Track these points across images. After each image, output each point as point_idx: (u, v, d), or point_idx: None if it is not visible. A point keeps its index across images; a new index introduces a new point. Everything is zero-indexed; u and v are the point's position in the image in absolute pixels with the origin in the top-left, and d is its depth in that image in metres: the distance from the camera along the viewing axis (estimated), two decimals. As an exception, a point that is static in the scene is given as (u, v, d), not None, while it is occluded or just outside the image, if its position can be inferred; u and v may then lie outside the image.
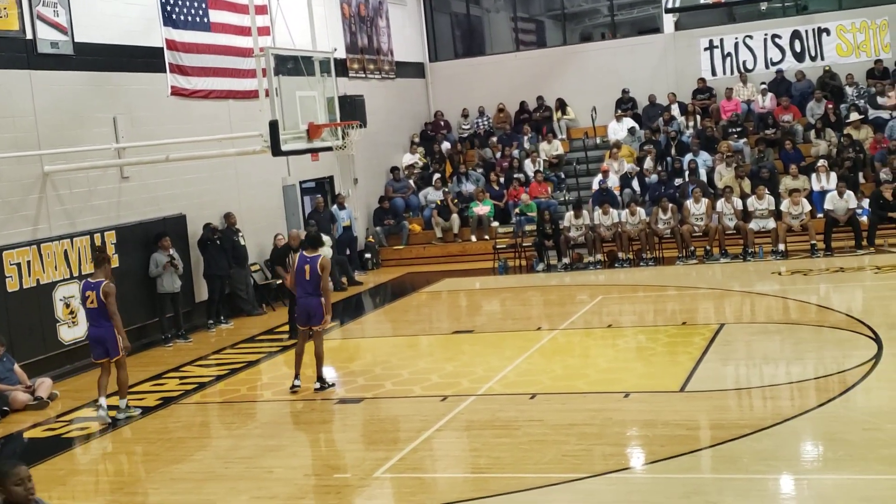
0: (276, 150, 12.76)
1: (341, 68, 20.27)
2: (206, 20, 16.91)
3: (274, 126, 12.58)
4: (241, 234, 16.84)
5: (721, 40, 23.20)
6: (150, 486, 8.76)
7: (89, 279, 11.03)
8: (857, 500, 6.91)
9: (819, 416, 8.78)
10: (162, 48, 15.96)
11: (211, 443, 9.90)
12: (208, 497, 8.27)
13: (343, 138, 14.00)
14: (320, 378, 11.23)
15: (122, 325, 10.84)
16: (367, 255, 21.18)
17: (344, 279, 19.03)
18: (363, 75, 22.14)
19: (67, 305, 13.68)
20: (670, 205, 18.69)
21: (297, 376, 11.34)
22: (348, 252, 20.15)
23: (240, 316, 16.56)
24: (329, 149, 14.23)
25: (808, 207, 17.94)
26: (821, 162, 19.20)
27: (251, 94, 16.22)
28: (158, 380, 12.77)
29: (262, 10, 16.57)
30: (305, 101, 13.36)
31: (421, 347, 13.81)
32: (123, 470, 9.62)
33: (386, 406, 10.70)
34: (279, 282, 17.69)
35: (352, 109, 14.40)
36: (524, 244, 19.63)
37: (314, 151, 15.77)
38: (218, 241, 15.93)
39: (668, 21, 23.53)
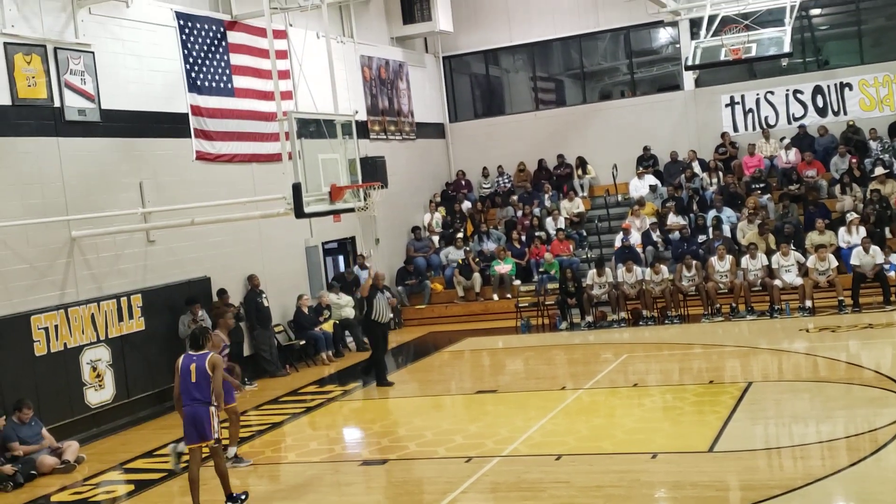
0: (299, 212, 12.86)
1: (362, 130, 20.50)
2: (230, 86, 17.20)
3: (297, 189, 12.70)
4: (264, 295, 16.91)
5: (742, 96, 23.29)
6: (173, 551, 8.68)
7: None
8: (894, 563, 6.75)
9: (851, 475, 8.62)
10: (187, 114, 16.22)
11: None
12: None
13: (365, 199, 14.09)
14: (230, 497, 9.47)
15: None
16: (390, 315, 21.13)
17: (366, 339, 19.00)
18: (384, 136, 22.37)
19: (94, 369, 13.74)
20: (694, 262, 18.62)
21: None
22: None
23: (263, 377, 16.54)
24: (351, 210, 14.31)
25: (834, 263, 17.81)
26: (852, 216, 19.05)
27: (274, 158, 16.41)
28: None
29: (284, 74, 16.85)
30: (327, 164, 13.49)
31: (444, 407, 13.72)
32: (147, 535, 9.56)
33: (410, 467, 10.61)
34: (302, 342, 17.74)
35: (373, 170, 14.55)
36: (547, 302, 19.56)
37: (336, 213, 15.86)
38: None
39: (689, 78, 23.67)
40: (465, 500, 9.17)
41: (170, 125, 15.85)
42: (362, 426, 13.15)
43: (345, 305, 18.83)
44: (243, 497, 9.52)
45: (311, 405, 14.37)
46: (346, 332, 18.83)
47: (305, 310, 17.94)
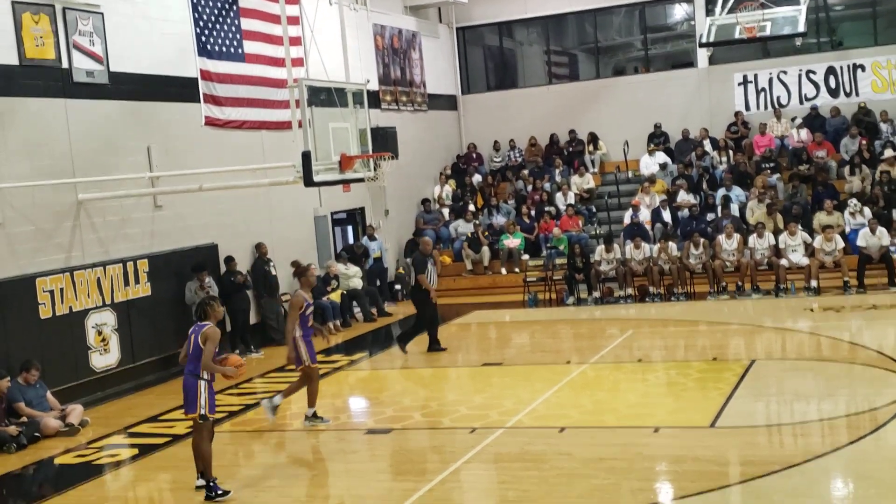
0: (308, 180, 12.87)
1: (374, 100, 20.47)
2: (240, 51, 17.16)
3: (307, 157, 12.70)
4: (272, 263, 16.96)
5: (755, 75, 23.17)
6: (178, 513, 8.79)
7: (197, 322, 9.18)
8: (890, 540, 6.81)
9: (850, 453, 8.67)
10: (196, 78, 16.20)
11: (240, 472, 9.92)
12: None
13: (375, 170, 14.09)
14: (206, 479, 8.96)
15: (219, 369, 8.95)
16: (398, 287, 21.24)
17: (374, 310, 19.10)
18: (395, 107, 22.33)
19: (99, 333, 13.83)
20: (702, 240, 18.61)
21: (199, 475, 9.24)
22: (378, 283, 20.24)
23: (270, 345, 16.62)
24: (361, 180, 14.32)
25: (841, 244, 17.78)
26: (853, 205, 18.92)
27: (284, 125, 16.40)
28: (188, 407, 12.81)
29: (296, 41, 16.80)
30: (338, 133, 13.48)
31: (450, 379, 13.79)
32: (153, 497, 9.68)
33: (415, 437, 10.69)
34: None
35: (384, 141, 14.50)
36: (554, 277, 19.60)
37: (346, 182, 15.89)
38: (233, 280, 15.91)
39: (703, 55, 23.54)
40: (469, 470, 9.25)
41: (179, 89, 15.84)
42: (368, 395, 13.23)
43: (353, 276, 18.89)
44: (220, 493, 8.83)
45: (325, 371, 14.43)
46: (354, 303, 18.89)
47: (313, 279, 17.94)
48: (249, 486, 9.24)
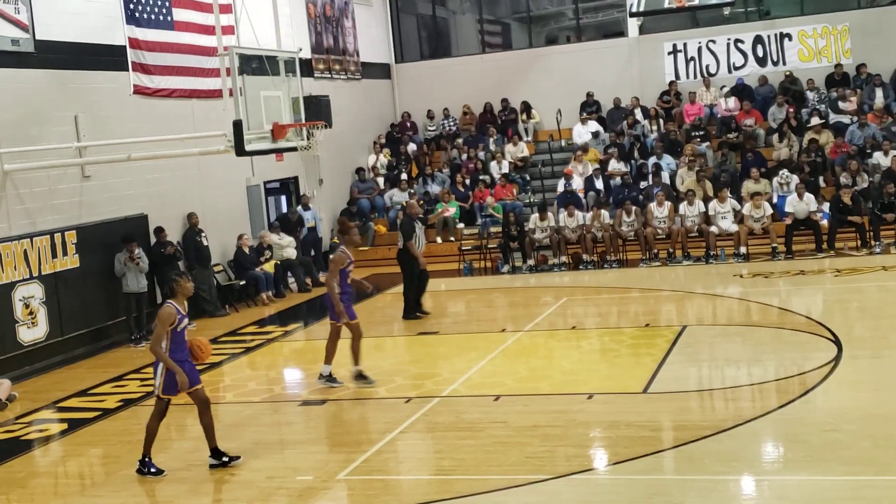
0: (239, 150, 12.67)
1: (306, 68, 20.19)
2: (169, 18, 16.75)
3: (238, 126, 12.49)
4: (203, 234, 16.70)
5: (685, 45, 23.40)
6: (110, 488, 8.65)
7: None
8: (817, 500, 6.99)
9: (780, 417, 8.87)
10: (124, 46, 15.79)
11: (172, 445, 9.79)
12: (169, 500, 8.21)
13: (308, 139, 13.94)
14: (145, 461, 8.72)
15: (167, 360, 8.50)
16: (332, 256, 21.04)
17: (308, 280, 18.95)
18: (329, 75, 22.07)
19: (27, 306, 13.49)
20: (634, 207, 18.82)
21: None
22: (313, 253, 20.08)
23: (202, 317, 16.40)
24: (294, 149, 14.16)
25: (769, 211, 18.13)
26: (784, 177, 19.27)
27: (215, 94, 16.09)
28: (119, 381, 12.62)
29: (226, 8, 16.46)
30: (270, 101, 13.28)
31: (386, 349, 13.76)
32: (83, 472, 9.50)
33: (350, 408, 10.65)
34: (242, 283, 17.61)
35: (317, 110, 14.35)
36: (489, 246, 19.66)
37: (278, 152, 15.69)
38: (163, 251, 15.61)
39: (633, 25, 23.69)
40: (404, 440, 9.25)
41: (107, 58, 15.43)
42: (302, 367, 13.15)
43: (286, 246, 18.70)
44: (154, 471, 8.65)
45: (251, 346, 14.33)
46: (288, 273, 18.72)
47: (246, 250, 17.78)
48: (181, 460, 9.13)
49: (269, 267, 18.09)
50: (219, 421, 10.57)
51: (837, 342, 11.18)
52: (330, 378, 11.26)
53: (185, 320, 8.70)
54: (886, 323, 12.24)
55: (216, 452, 8.80)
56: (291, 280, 18.77)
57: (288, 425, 10.29)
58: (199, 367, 8.93)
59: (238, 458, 8.84)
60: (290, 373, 13.08)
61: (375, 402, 10.67)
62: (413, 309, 15.08)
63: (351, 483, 8.25)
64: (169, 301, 8.70)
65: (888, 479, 7.18)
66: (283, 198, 20.94)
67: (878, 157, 19.44)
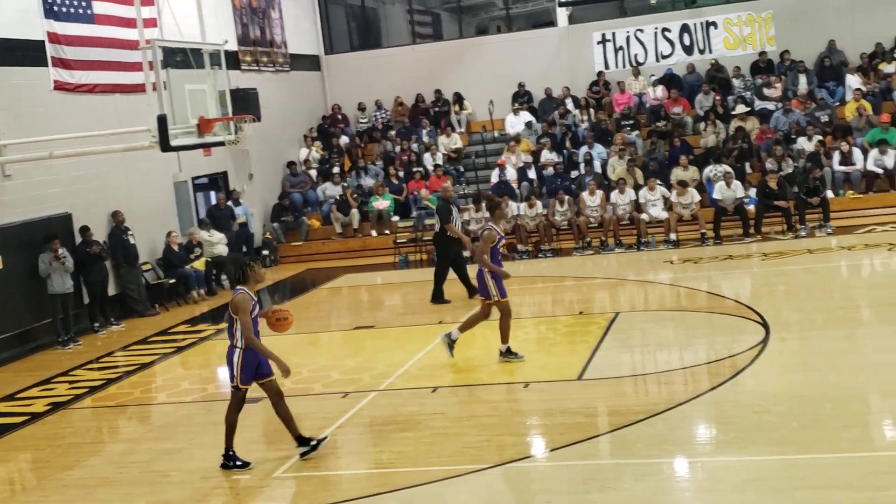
0: (165, 145, 12.45)
1: (233, 61, 19.90)
2: (89, 12, 16.35)
3: (162, 121, 12.27)
4: (130, 232, 16.38)
5: (613, 34, 23.62)
6: (41, 493, 8.45)
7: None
8: (747, 480, 7.11)
9: (711, 400, 9.01)
10: (43, 41, 15.37)
11: (104, 448, 9.60)
12: (102, 503, 8.02)
13: (236, 133, 13.74)
14: (228, 454, 8.55)
15: (265, 349, 8.34)
16: (265, 252, 20.87)
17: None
18: (256, 68, 21.80)
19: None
20: (567, 197, 18.96)
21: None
22: (245, 249, 19.82)
23: (131, 317, 16.10)
24: (221, 144, 13.95)
25: (697, 198, 18.41)
26: (715, 170, 19.55)
27: (139, 88, 15.70)
28: (47, 385, 12.32)
29: (148, 0, 16.11)
30: (195, 95, 13.07)
31: (321, 344, 13.65)
32: (13, 478, 9.24)
33: (286, 405, 10.51)
34: (172, 281, 17.32)
35: (245, 103, 14.19)
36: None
37: (206, 146, 15.42)
38: (89, 251, 15.27)
39: (562, 14, 23.84)
40: (342, 435, 9.19)
41: (25, 53, 15.00)
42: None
43: (217, 243, 18.43)
44: (239, 463, 8.45)
45: (182, 345, 14.10)
46: (219, 270, 18.45)
47: (175, 247, 17.48)
48: (113, 463, 8.96)
49: (199, 264, 17.81)
50: (150, 423, 10.43)
51: (765, 325, 11.39)
52: (509, 353, 11.05)
53: (258, 307, 8.44)
54: (812, 305, 12.51)
55: (301, 440, 8.54)
56: (223, 277, 18.51)
57: (223, 424, 10.09)
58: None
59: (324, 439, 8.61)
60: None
61: (312, 398, 10.56)
62: (442, 294, 14.96)
63: (288, 480, 8.17)
64: (240, 287, 8.40)
65: (815, 458, 7.34)
66: (213, 193, 20.64)
67: (802, 143, 19.87)
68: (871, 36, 22.10)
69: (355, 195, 21.58)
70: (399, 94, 24.48)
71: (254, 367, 8.38)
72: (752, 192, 18.65)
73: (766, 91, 21.82)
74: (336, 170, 22.35)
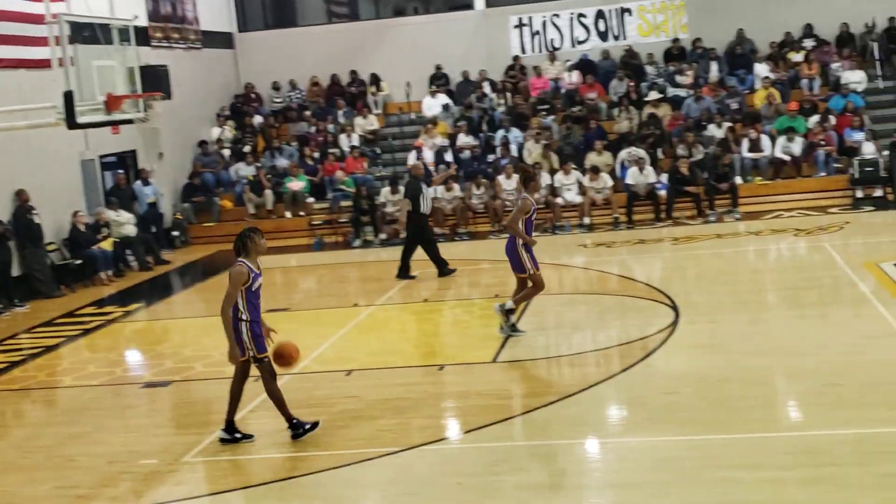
0: (71, 122, 12.07)
1: (143, 37, 19.35)
2: (-8, -17, 15.74)
3: (69, 97, 11.89)
4: (35, 211, 15.86)
5: (530, 18, 23.72)
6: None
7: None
8: (657, 461, 7.23)
9: (622, 381, 9.15)
10: (-58, 12, 14.75)
11: (7, 432, 9.30)
12: (6, 489, 7.78)
13: (145, 111, 13.40)
14: (230, 427, 8.39)
15: (229, 329, 8.02)
16: (175, 233, 20.44)
17: (150, 258, 18.29)
18: (167, 44, 21.27)
19: None
20: (484, 180, 19.02)
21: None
22: (154, 230, 19.41)
23: (36, 298, 15.61)
24: (130, 122, 13.58)
25: (610, 182, 18.66)
26: (630, 153, 19.82)
27: (44, 64, 15.14)
28: (-54, 368, 11.87)
29: (54, -27, 15.58)
30: (104, 72, 12.69)
31: (233, 327, 13.43)
32: None
33: (196, 388, 10.36)
34: (79, 261, 16.84)
35: (155, 80, 13.82)
36: (340, 220, 19.49)
37: (114, 124, 15.01)
38: None
39: (481, -3, 23.87)
40: (254, 419, 9.05)
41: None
42: (145, 348, 12.71)
43: (125, 223, 17.99)
44: (238, 436, 8.31)
45: (89, 327, 13.73)
46: (127, 251, 18.01)
47: (82, 227, 16.99)
48: (17, 448, 8.70)
49: (107, 245, 17.34)
50: (56, 407, 10.14)
51: (675, 308, 11.61)
52: (513, 328, 10.94)
53: (260, 279, 8.18)
54: (721, 289, 12.80)
55: (293, 424, 8.29)
56: (131, 258, 18.07)
57: (131, 408, 9.91)
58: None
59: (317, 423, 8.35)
60: (132, 354, 12.61)
61: (223, 383, 10.34)
62: (408, 269, 14.89)
63: (197, 465, 8.02)
64: (241, 259, 8.14)
65: (722, 438, 7.50)
66: (122, 172, 20.12)
67: (713, 129, 20.29)
68: (780, 25, 22.66)
69: (269, 176, 21.28)
70: (314, 73, 24.19)
71: (263, 336, 8.16)
72: (664, 177, 18.99)
73: (678, 78, 22.20)
74: (249, 150, 22.00)
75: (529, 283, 10.91)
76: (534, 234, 11.08)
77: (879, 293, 11.43)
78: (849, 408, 7.82)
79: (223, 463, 8.02)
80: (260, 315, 8.19)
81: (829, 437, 7.27)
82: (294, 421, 8.30)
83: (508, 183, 18.89)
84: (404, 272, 14.93)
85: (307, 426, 8.30)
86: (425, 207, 14.90)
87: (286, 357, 8.34)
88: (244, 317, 8.12)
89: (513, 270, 11.03)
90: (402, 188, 19.06)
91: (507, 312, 10.96)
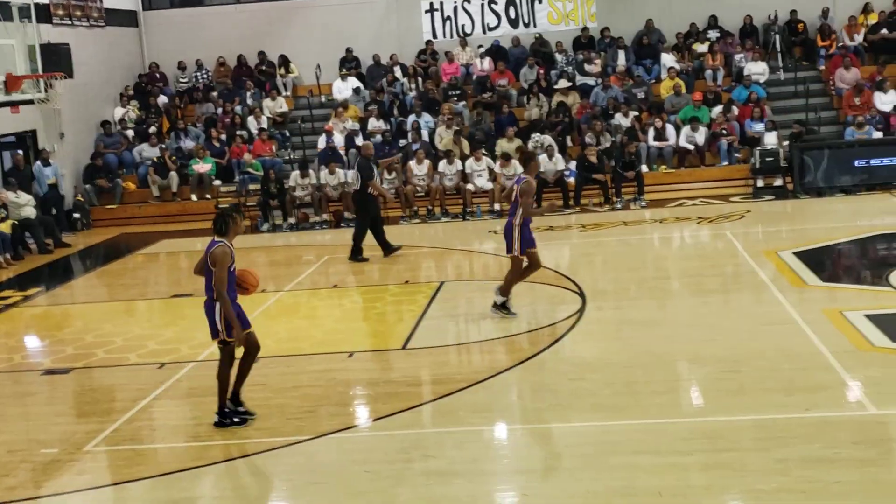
0: (-33, 100, 11.59)
1: (44, 14, 18.66)
2: None
3: (-36, 74, 11.41)
4: (-73, 192, 15.23)
5: (441, 3, 23.71)
6: None
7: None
8: (564, 447, 7.35)
9: (530, 367, 9.25)
10: None
11: None
12: None
13: (46, 90, 12.96)
14: (222, 411, 8.20)
15: (230, 311, 7.91)
16: (77, 215, 19.86)
17: (50, 241, 17.75)
18: (69, 22, 20.55)
19: None
20: (396, 165, 18.96)
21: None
22: (54, 212, 18.84)
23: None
24: (30, 101, 13.12)
25: (520, 169, 18.77)
26: (537, 140, 20.00)
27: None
28: None
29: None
30: (3, 50, 12.29)
31: (137, 313, 13.18)
32: None
33: (98, 376, 10.10)
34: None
35: (56, 59, 13.41)
36: (248, 203, 19.21)
37: (13, 104, 14.49)
38: None
39: (391, -18, 23.75)
40: (158, 407, 8.91)
41: None
42: (45, 333, 12.33)
43: (24, 204, 17.41)
44: (237, 420, 8.13)
45: (-7, 309, 13.29)
46: (27, 233, 17.44)
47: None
48: None
49: (5, 227, 16.77)
50: (-52, 396, 9.75)
51: (582, 295, 11.79)
52: (504, 307, 10.84)
53: (234, 261, 8.00)
54: (627, 276, 13.04)
55: (224, 413, 8.13)
56: (31, 241, 17.50)
57: (30, 395, 9.63)
58: None
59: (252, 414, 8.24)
60: (31, 340, 12.23)
61: (127, 369, 10.18)
62: (360, 251, 14.79)
63: (99, 454, 7.83)
64: (219, 239, 7.95)
65: (626, 424, 7.66)
66: (20, 152, 19.44)
67: (619, 118, 20.62)
68: (686, 16, 23.16)
69: (174, 158, 20.82)
70: (221, 53, 23.76)
71: (239, 317, 8.02)
72: (573, 165, 19.23)
73: (586, 67, 22.47)
74: (154, 130, 21.49)
75: (525, 263, 10.94)
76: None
77: (778, 281, 11.80)
78: (748, 394, 8.06)
79: (126, 452, 7.85)
80: (236, 296, 8.09)
81: (728, 422, 7.48)
82: (226, 410, 8.17)
83: (420, 168, 18.88)
84: (357, 254, 14.87)
85: (236, 420, 8.16)
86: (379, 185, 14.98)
87: (245, 286, 8.26)
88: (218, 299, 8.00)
89: (507, 252, 11.02)
90: (311, 172, 18.95)
91: (503, 304, 11.04)
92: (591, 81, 22.15)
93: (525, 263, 10.96)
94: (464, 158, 19.40)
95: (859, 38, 22.25)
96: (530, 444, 7.54)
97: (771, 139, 19.36)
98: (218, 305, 7.98)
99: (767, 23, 22.88)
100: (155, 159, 20.74)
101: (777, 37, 22.53)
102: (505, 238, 10.94)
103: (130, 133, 21.83)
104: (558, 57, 22.97)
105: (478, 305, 11.93)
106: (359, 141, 20.80)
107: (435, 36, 23.70)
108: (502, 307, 10.99)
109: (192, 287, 14.26)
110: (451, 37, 23.68)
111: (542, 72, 22.25)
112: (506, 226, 10.88)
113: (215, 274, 7.94)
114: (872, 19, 22.50)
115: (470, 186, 18.67)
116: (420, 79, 22.82)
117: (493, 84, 22.37)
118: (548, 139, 19.62)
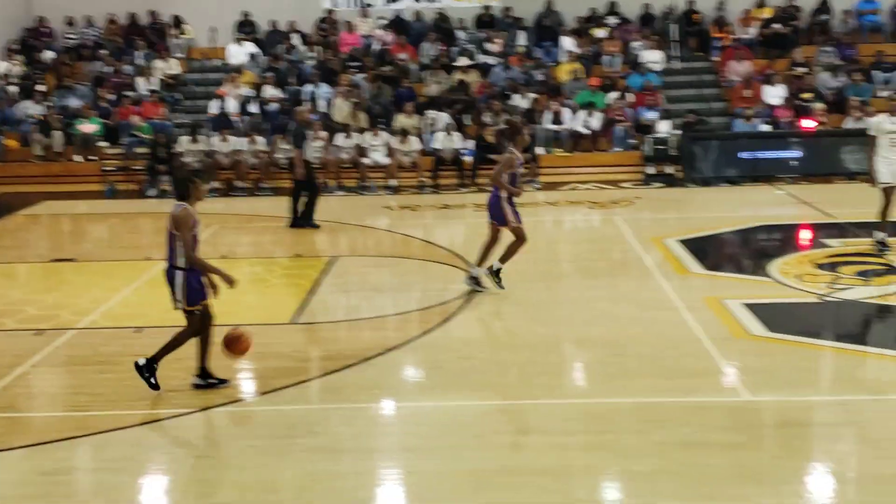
0: None
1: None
2: None
3: None
4: None
5: (343, -28, 23.44)
6: None
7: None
8: (451, 425, 7.40)
9: (420, 345, 9.27)
10: None
11: None
12: None
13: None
14: (203, 373, 8.12)
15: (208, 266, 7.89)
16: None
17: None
18: (-50, -33, 19.56)
19: None
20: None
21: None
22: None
23: None
24: None
25: (418, 146, 18.79)
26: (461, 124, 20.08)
27: None
28: None
29: None
30: None
31: (16, 277, 12.72)
32: None
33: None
34: None
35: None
36: (135, 167, 18.68)
37: None
38: None
39: (290, -54, 23.32)
40: (36, 375, 8.62)
41: None
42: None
43: None
44: (215, 382, 8.02)
45: None
46: None
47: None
48: None
49: None
50: None
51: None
52: (477, 281, 10.68)
53: (199, 226, 7.72)
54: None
55: (149, 371, 7.95)
56: None
57: None
58: None
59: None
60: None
61: (3, 335, 9.79)
62: (304, 217, 14.58)
63: (-30, 424, 7.53)
64: (181, 203, 7.75)
65: (512, 404, 7.77)
66: None
67: (517, 99, 20.76)
68: (586, 1, 23.43)
69: (59, 116, 20.06)
70: (112, 10, 22.97)
71: (200, 287, 7.81)
72: (471, 143, 19.29)
73: (487, 46, 22.54)
74: (39, 87, 20.65)
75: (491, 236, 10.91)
76: (516, 188, 10.83)
77: (663, 267, 12.10)
78: (629, 377, 8.25)
79: (2, 421, 7.56)
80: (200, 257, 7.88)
81: (610, 404, 7.65)
82: (152, 374, 7.94)
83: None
84: (306, 219, 14.69)
85: (153, 382, 7.94)
86: (308, 154, 14.74)
87: (234, 349, 8.03)
88: (180, 264, 7.81)
89: (495, 224, 10.87)
90: (202, 137, 18.51)
91: (495, 273, 10.94)
92: (491, 61, 22.22)
93: (493, 235, 10.96)
94: (361, 132, 19.25)
95: (753, 31, 22.93)
96: (417, 422, 7.56)
97: (663, 127, 19.81)
98: (179, 273, 7.79)
99: (665, 12, 23.35)
100: (39, 117, 19.94)
101: (674, 26, 23.03)
102: (491, 213, 10.87)
103: (14, 89, 20.93)
104: (460, 34, 22.97)
105: (370, 281, 11.89)
106: (253, 108, 20.42)
107: (335, 4, 23.42)
108: (496, 275, 10.99)
109: (75, 252, 13.85)
110: (354, 6, 23.42)
111: (443, 48, 22.21)
112: (490, 199, 10.85)
113: (181, 236, 7.74)
114: (767, 13, 23.20)
115: (366, 160, 18.55)
116: (319, 48, 22.50)
117: (394, 57, 22.23)
118: (442, 116, 19.62)
